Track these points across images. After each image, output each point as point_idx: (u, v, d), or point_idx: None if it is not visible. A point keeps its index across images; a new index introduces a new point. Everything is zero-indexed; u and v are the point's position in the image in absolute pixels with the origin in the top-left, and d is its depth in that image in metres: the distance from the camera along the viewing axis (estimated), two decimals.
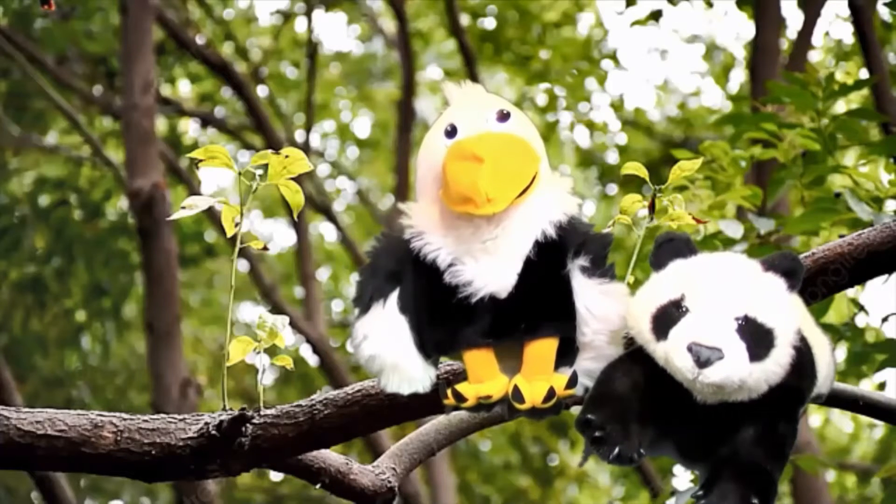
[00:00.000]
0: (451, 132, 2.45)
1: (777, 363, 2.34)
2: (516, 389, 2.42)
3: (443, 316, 2.45)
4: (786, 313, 2.37)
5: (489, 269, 2.42)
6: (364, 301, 2.47)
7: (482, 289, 2.42)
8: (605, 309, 2.43)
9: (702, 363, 2.30)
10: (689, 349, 2.31)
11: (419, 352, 2.47)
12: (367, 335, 2.46)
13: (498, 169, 2.38)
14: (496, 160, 2.38)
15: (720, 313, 2.33)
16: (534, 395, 2.42)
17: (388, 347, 2.46)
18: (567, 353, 2.46)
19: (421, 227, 2.47)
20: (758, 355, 2.32)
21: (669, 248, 2.44)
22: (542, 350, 2.44)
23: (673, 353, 2.33)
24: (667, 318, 2.35)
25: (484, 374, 2.44)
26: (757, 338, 2.32)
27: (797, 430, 2.44)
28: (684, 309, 2.35)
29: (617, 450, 2.37)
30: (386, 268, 2.48)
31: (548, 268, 2.43)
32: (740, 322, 2.33)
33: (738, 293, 2.35)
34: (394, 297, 2.47)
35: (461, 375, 2.49)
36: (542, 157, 2.45)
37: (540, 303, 2.43)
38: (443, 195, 2.42)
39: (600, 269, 2.44)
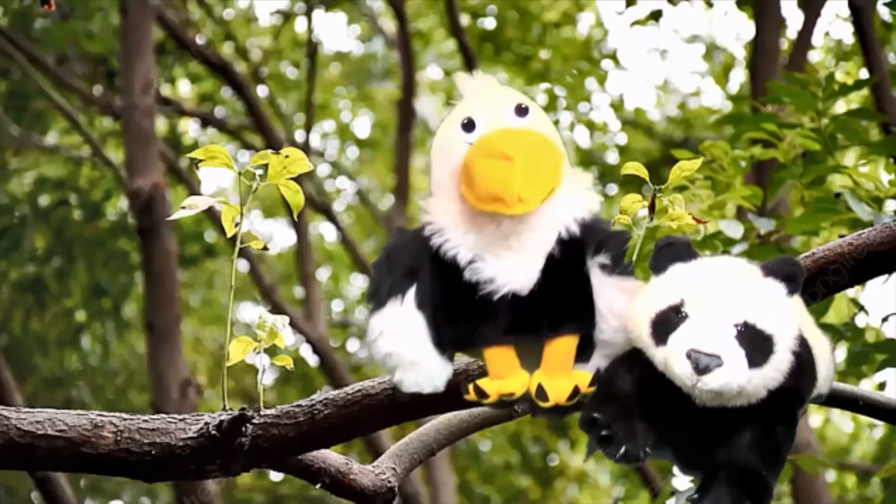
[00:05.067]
0: (469, 126, 2.43)
1: (776, 369, 2.34)
2: (540, 388, 2.40)
3: (462, 313, 2.42)
4: (785, 319, 2.36)
5: (511, 266, 2.40)
6: (380, 297, 2.43)
7: (504, 286, 2.40)
8: (623, 307, 2.42)
9: (700, 370, 2.29)
10: (688, 356, 2.30)
11: (436, 348, 2.44)
12: (383, 331, 2.43)
13: (529, 168, 2.36)
14: (527, 159, 2.36)
15: (719, 320, 2.32)
16: (558, 392, 2.40)
17: (405, 344, 2.42)
18: (584, 350, 2.45)
19: (441, 224, 2.43)
20: (757, 362, 2.32)
21: (669, 251, 2.43)
22: (563, 347, 2.42)
23: (672, 359, 2.32)
24: (666, 323, 2.35)
25: (505, 371, 2.42)
26: (756, 344, 2.32)
27: (795, 432, 2.44)
28: (683, 314, 2.34)
29: (623, 449, 2.37)
30: (403, 263, 2.44)
31: (570, 265, 2.41)
32: (740, 328, 2.32)
33: (738, 299, 2.34)
34: (411, 292, 2.43)
35: (475, 373, 2.48)
36: (563, 153, 2.43)
37: (562, 300, 2.41)
38: (466, 192, 2.38)
39: (619, 266, 2.43)
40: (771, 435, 2.39)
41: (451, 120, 2.47)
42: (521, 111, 2.43)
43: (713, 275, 2.39)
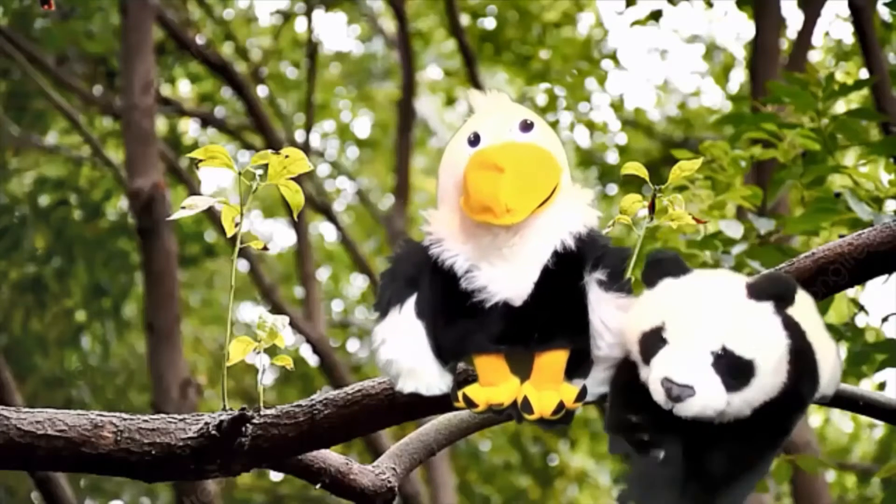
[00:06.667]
0: (475, 141, 2.46)
1: (760, 391, 2.33)
2: (525, 400, 2.41)
3: (457, 321, 2.45)
4: (769, 341, 2.34)
5: (505, 275, 2.43)
6: (383, 306, 2.48)
7: (496, 294, 2.42)
8: (619, 323, 2.43)
9: (673, 399, 2.30)
10: (662, 384, 2.31)
11: (436, 357, 2.47)
12: (384, 339, 2.47)
13: (519, 179, 2.38)
14: (517, 170, 2.39)
15: (696, 347, 2.32)
16: (542, 405, 2.41)
17: (405, 352, 2.46)
18: (581, 365, 2.46)
19: (441, 234, 2.47)
20: (735, 387, 2.31)
21: (659, 268, 2.43)
22: (552, 361, 2.44)
23: (651, 383, 2.33)
24: (649, 345, 2.35)
25: (494, 379, 2.44)
26: (735, 370, 2.31)
27: (784, 440, 2.44)
28: (663, 339, 2.34)
29: (663, 452, 2.38)
30: (405, 273, 2.48)
31: (564, 278, 2.43)
32: (717, 354, 2.31)
33: (718, 324, 2.33)
34: (411, 301, 2.47)
35: (474, 378, 2.49)
36: (563, 168, 2.46)
37: (554, 313, 2.43)
38: (463, 203, 2.42)
39: (617, 283, 2.44)
40: (746, 451, 2.39)
41: (459, 135, 2.50)
42: (527, 126, 2.46)
43: (695, 297, 2.37)
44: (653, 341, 2.35)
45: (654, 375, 2.33)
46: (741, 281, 2.41)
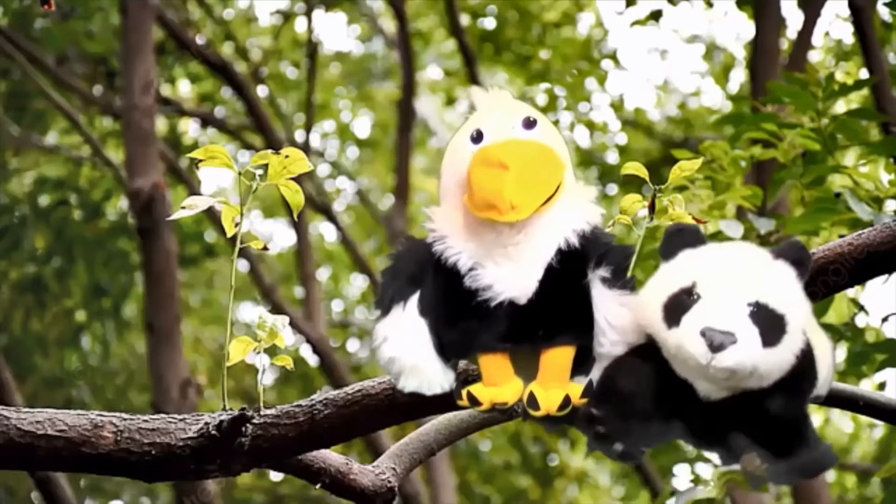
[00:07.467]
0: (477, 138, 2.46)
1: (789, 350, 2.35)
2: (532, 396, 2.42)
3: (461, 319, 2.45)
4: (797, 300, 2.37)
5: (510, 274, 2.42)
6: (385, 303, 2.48)
7: (502, 293, 2.42)
8: (623, 320, 2.43)
9: (715, 347, 2.30)
10: (703, 334, 2.30)
11: (438, 354, 2.47)
12: (386, 337, 2.47)
13: (523, 176, 2.39)
14: (521, 167, 2.39)
15: (732, 299, 2.33)
16: (549, 402, 2.42)
17: (408, 349, 2.46)
18: (583, 363, 2.47)
19: (444, 231, 2.47)
20: (770, 341, 2.32)
21: (679, 238, 2.44)
22: (558, 358, 2.44)
23: (686, 339, 2.33)
24: (678, 305, 2.35)
25: (499, 378, 2.44)
26: (769, 324, 2.32)
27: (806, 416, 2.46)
28: (696, 296, 2.34)
29: (619, 446, 2.38)
30: (407, 270, 2.48)
31: (569, 276, 2.43)
32: (752, 307, 2.33)
33: (750, 279, 2.35)
34: (414, 299, 2.47)
35: (475, 377, 2.49)
36: (566, 165, 2.46)
37: (559, 310, 2.43)
38: (467, 200, 2.42)
39: (620, 280, 2.44)
40: (781, 418, 2.41)
41: (462, 131, 2.50)
42: (529, 124, 2.46)
43: (724, 257, 2.40)
44: (683, 301, 2.35)
45: (689, 331, 2.32)
46: (761, 248, 2.43)
